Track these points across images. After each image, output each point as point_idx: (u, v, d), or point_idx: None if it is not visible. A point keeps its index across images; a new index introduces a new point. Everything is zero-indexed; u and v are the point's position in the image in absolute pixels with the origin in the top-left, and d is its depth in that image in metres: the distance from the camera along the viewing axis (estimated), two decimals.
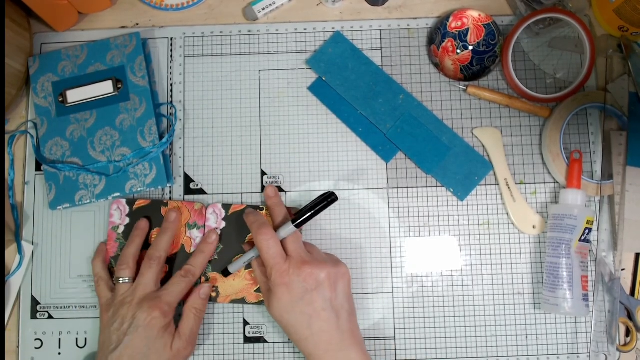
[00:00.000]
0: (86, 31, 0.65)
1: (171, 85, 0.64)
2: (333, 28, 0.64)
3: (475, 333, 0.59)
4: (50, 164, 0.61)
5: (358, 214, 0.61)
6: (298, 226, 0.54)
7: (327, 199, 0.54)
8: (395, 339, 0.59)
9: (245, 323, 0.59)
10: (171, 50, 0.64)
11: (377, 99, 0.62)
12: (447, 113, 0.63)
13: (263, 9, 0.64)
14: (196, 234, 0.60)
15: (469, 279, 0.60)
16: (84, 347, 0.59)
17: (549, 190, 0.61)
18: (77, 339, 0.59)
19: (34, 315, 0.59)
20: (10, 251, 0.60)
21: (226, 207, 0.60)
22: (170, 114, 0.63)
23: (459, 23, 0.60)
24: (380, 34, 0.64)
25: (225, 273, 0.58)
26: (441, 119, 0.62)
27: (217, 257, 0.59)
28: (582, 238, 0.56)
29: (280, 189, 0.61)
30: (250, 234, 0.59)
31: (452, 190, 0.61)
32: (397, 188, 0.61)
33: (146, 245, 0.59)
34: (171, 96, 0.63)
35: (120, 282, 0.55)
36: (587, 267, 0.57)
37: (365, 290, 0.60)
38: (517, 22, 0.61)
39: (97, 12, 0.65)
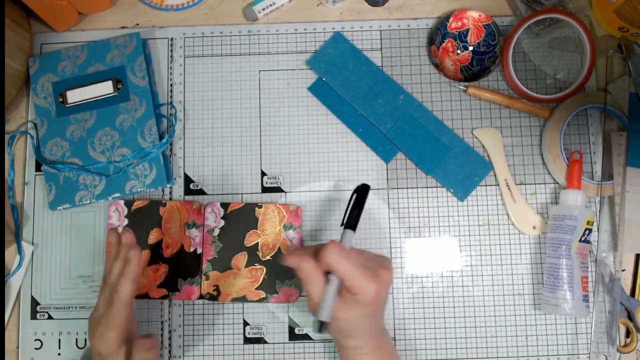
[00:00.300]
0: (86, 31, 0.65)
1: (171, 85, 0.64)
2: (333, 28, 0.64)
3: (475, 334, 0.59)
4: (50, 164, 0.61)
5: None
6: (354, 228, 0.50)
7: (363, 191, 0.51)
8: (395, 340, 0.59)
9: (245, 324, 0.59)
10: (171, 51, 0.64)
11: (377, 100, 0.62)
12: (447, 113, 0.63)
13: (263, 9, 0.64)
14: (195, 233, 0.60)
15: (469, 279, 0.60)
16: (83, 347, 0.59)
17: (549, 191, 0.61)
18: (77, 340, 0.59)
19: (33, 316, 0.59)
20: (10, 251, 0.60)
21: (225, 205, 0.60)
22: (170, 114, 0.63)
23: (459, 23, 0.60)
24: (381, 35, 0.64)
25: (322, 329, 0.47)
26: (441, 120, 0.62)
27: (216, 256, 0.59)
28: (582, 239, 0.56)
29: (280, 189, 0.61)
30: (249, 232, 0.59)
31: (452, 190, 0.61)
32: (397, 188, 0.61)
33: (146, 245, 0.59)
34: (171, 96, 0.63)
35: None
36: (587, 267, 0.57)
37: None
38: (517, 23, 0.61)
39: (97, 12, 0.65)
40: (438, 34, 0.61)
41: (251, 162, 0.62)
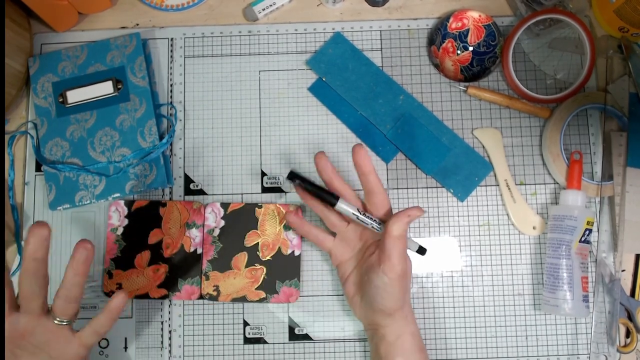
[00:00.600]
0: (86, 31, 0.65)
1: (171, 85, 0.64)
2: (333, 29, 0.64)
3: (475, 334, 0.59)
4: (50, 164, 0.61)
5: None
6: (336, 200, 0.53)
7: (295, 176, 0.52)
8: None
9: (245, 324, 0.59)
10: (171, 51, 0.64)
11: (377, 100, 0.62)
12: (447, 114, 0.63)
13: (263, 10, 0.64)
14: (195, 233, 0.60)
15: (469, 279, 0.60)
16: None
17: (549, 191, 0.61)
18: None
19: None
20: (10, 251, 0.60)
21: (225, 205, 0.60)
22: (171, 114, 0.63)
23: (459, 24, 0.60)
24: (381, 35, 0.64)
25: (423, 250, 0.54)
26: (441, 120, 0.62)
27: (217, 256, 0.59)
28: (582, 239, 0.56)
29: (280, 189, 0.61)
30: (249, 233, 0.59)
31: (452, 191, 0.61)
32: (397, 189, 0.61)
33: (146, 245, 0.59)
34: (171, 97, 0.63)
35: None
36: (587, 268, 0.57)
37: None
38: (517, 23, 0.61)
39: (97, 13, 0.65)
40: (438, 34, 0.61)
41: (251, 162, 0.62)
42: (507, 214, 0.60)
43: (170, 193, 0.62)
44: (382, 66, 0.63)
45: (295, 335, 0.59)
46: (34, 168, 0.62)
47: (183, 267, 0.59)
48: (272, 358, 0.59)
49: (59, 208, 0.60)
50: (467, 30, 0.59)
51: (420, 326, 0.59)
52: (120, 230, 0.60)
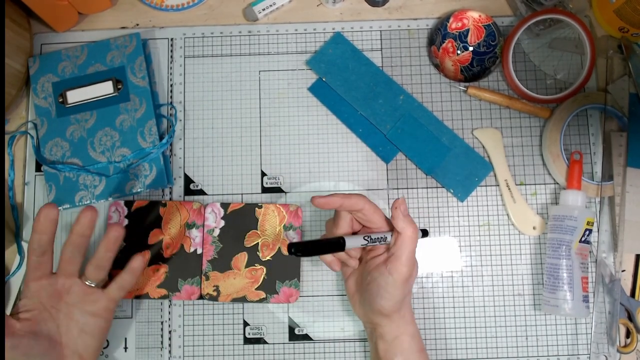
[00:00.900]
0: (86, 31, 0.65)
1: (171, 85, 0.64)
2: (333, 29, 0.64)
3: (475, 334, 0.59)
4: (50, 164, 0.61)
5: None
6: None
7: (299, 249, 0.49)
8: None
9: (245, 324, 0.59)
10: (171, 51, 0.64)
11: (377, 100, 0.62)
12: (447, 114, 0.63)
13: (263, 10, 0.64)
14: (195, 233, 0.60)
15: (469, 279, 0.60)
16: None
17: (549, 191, 0.61)
18: None
19: None
20: (10, 251, 0.60)
21: (225, 206, 0.60)
22: (170, 114, 0.63)
23: (459, 24, 0.60)
24: (381, 35, 0.64)
25: (425, 233, 0.56)
26: (441, 120, 0.62)
27: (216, 257, 0.59)
28: (583, 239, 0.56)
29: (280, 189, 0.61)
30: (249, 233, 0.59)
31: (452, 191, 0.61)
32: (397, 189, 0.61)
33: (146, 245, 0.59)
34: (171, 97, 0.63)
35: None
36: (588, 268, 0.57)
37: None
38: (517, 23, 0.61)
39: (97, 13, 0.65)
40: (438, 34, 0.61)
41: (251, 162, 0.62)
42: (507, 214, 0.60)
43: (170, 193, 0.62)
44: (382, 66, 0.63)
45: (295, 335, 0.59)
46: (34, 168, 0.62)
47: (183, 267, 0.59)
48: (272, 358, 0.59)
49: (59, 208, 0.60)
50: (467, 30, 0.59)
51: (420, 326, 0.59)
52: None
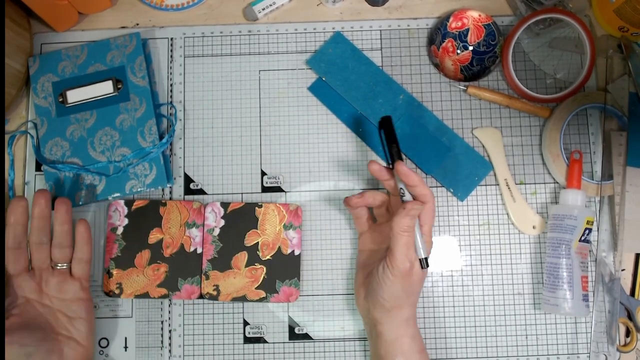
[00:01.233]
0: (86, 31, 0.65)
1: (171, 85, 0.64)
2: (333, 28, 0.64)
3: (475, 333, 0.59)
4: (50, 164, 0.61)
5: None
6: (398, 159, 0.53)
7: (388, 124, 0.54)
8: None
9: (245, 323, 0.59)
10: (171, 51, 0.64)
11: (377, 99, 0.62)
12: (447, 113, 0.63)
13: (263, 9, 0.64)
14: (195, 233, 0.60)
15: (469, 279, 0.60)
16: None
17: (549, 191, 0.61)
18: None
19: None
20: None
21: (225, 205, 0.60)
22: (170, 114, 0.63)
23: (459, 23, 0.60)
24: (381, 34, 0.64)
25: (425, 264, 0.52)
26: (441, 119, 0.62)
27: (216, 256, 0.59)
28: (582, 238, 0.56)
29: (280, 189, 0.61)
30: (249, 232, 0.59)
31: (452, 190, 0.61)
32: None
33: (146, 245, 0.59)
34: (171, 96, 0.63)
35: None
36: (587, 267, 0.57)
37: None
38: (517, 23, 0.61)
39: (97, 12, 0.65)
40: (438, 33, 0.61)
41: (251, 162, 0.62)
42: (507, 214, 0.61)
43: (170, 193, 0.62)
44: (382, 66, 0.63)
45: (295, 334, 0.59)
46: (34, 168, 0.62)
47: (183, 266, 0.59)
48: (272, 358, 0.59)
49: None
50: (467, 30, 0.60)
51: (420, 326, 0.59)
52: (120, 230, 0.60)
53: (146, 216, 0.60)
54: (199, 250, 0.60)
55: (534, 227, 0.60)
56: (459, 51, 0.60)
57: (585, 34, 0.60)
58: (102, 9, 0.65)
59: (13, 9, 0.61)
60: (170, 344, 0.59)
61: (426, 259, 0.52)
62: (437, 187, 0.61)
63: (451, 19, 0.61)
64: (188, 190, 0.62)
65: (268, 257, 0.59)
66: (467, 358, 0.59)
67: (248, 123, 0.63)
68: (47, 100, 0.62)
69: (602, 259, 0.59)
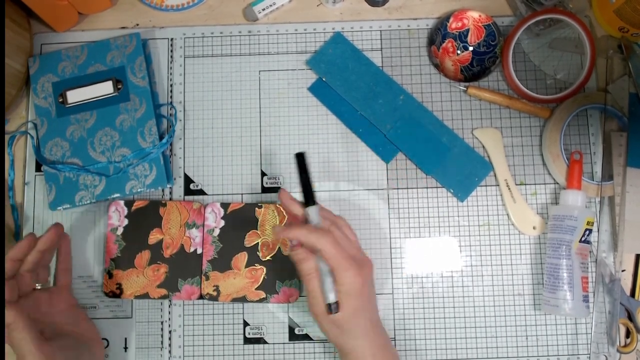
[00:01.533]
0: (86, 31, 0.65)
1: (171, 85, 0.64)
2: (333, 29, 0.64)
3: (475, 334, 0.59)
4: (50, 164, 0.61)
5: (358, 215, 0.61)
6: (314, 203, 0.50)
7: (300, 159, 0.51)
8: (395, 340, 0.59)
9: (245, 324, 0.59)
10: (171, 51, 0.64)
11: (377, 100, 0.62)
12: (447, 114, 0.63)
13: (263, 10, 0.64)
14: (195, 234, 0.60)
15: (469, 279, 0.60)
16: None
17: (549, 191, 0.61)
18: None
19: None
20: None
21: (225, 206, 0.60)
22: (170, 114, 0.63)
23: (459, 24, 0.60)
24: (381, 35, 0.64)
25: (333, 309, 0.48)
26: (441, 120, 0.62)
27: (217, 256, 0.59)
28: (583, 239, 0.56)
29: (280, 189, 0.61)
30: (249, 233, 0.59)
31: (452, 191, 0.61)
32: (397, 189, 0.61)
33: (146, 245, 0.59)
34: (171, 97, 0.63)
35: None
36: (588, 268, 0.57)
37: None
38: (517, 23, 0.61)
39: (97, 13, 0.65)
40: (438, 34, 0.61)
41: (251, 162, 0.62)
42: (507, 214, 0.60)
43: (170, 193, 0.62)
44: (382, 66, 0.63)
45: (295, 335, 0.59)
46: (34, 168, 0.62)
47: (183, 267, 0.59)
48: (272, 358, 0.59)
49: (59, 208, 0.60)
50: (467, 30, 0.59)
51: (420, 326, 0.59)
52: (120, 230, 0.60)
53: (146, 217, 0.60)
54: (199, 251, 0.59)
55: (534, 228, 0.60)
56: (459, 51, 0.60)
57: (586, 35, 0.60)
58: (102, 9, 0.65)
59: (13, 9, 0.61)
60: (170, 345, 0.59)
61: (336, 303, 0.47)
62: (437, 187, 0.61)
63: (451, 20, 0.60)
64: (188, 191, 0.62)
65: (268, 257, 0.59)
66: (467, 358, 0.58)
67: (248, 123, 0.63)
68: (47, 101, 0.62)
69: (603, 260, 0.59)
